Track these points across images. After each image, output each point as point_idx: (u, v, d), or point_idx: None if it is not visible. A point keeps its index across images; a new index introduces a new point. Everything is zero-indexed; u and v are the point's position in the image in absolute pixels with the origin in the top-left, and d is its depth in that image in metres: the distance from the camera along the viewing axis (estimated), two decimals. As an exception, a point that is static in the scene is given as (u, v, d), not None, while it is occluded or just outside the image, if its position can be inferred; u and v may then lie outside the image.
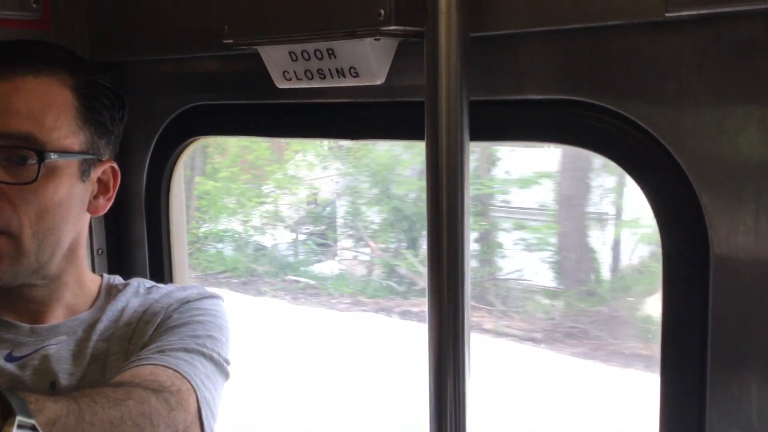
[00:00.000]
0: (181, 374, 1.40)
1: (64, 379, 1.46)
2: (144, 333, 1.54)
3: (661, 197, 1.33)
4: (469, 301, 1.40)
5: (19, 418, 1.12)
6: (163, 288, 1.67)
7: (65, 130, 1.45)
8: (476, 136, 1.38)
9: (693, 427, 1.32)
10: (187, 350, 1.46)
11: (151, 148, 2.13)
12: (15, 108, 1.38)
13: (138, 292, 1.66)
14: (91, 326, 1.55)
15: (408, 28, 1.39)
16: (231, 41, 1.61)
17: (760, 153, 1.19)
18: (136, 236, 2.21)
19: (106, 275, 1.70)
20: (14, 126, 1.37)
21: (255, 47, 1.60)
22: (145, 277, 2.16)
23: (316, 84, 1.56)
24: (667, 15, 1.17)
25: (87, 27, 2.13)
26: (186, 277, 2.26)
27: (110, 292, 1.64)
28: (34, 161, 1.38)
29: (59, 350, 1.50)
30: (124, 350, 1.52)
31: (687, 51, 1.24)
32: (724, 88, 1.21)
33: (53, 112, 1.43)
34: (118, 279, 1.70)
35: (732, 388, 1.27)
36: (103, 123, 1.52)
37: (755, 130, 1.19)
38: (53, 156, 1.41)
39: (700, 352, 1.29)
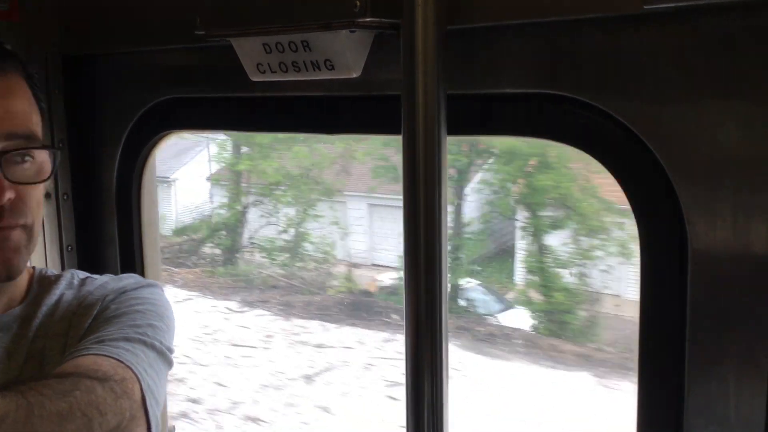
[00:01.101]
0: (124, 363, 1.38)
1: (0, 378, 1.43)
2: (80, 326, 1.50)
3: (639, 192, 1.32)
4: (447, 292, 1.38)
5: None
6: (98, 279, 1.63)
7: (41, 124, 1.47)
8: (453, 130, 1.37)
9: (671, 422, 1.32)
10: (127, 339, 1.43)
11: (122, 142, 2.09)
12: (14, 109, 1.39)
13: (72, 284, 1.62)
14: (26, 321, 1.52)
15: (384, 20, 1.37)
16: (203, 33, 1.58)
17: (738, 148, 1.18)
18: (107, 232, 2.17)
19: (37, 267, 1.66)
20: (19, 126, 1.39)
21: (228, 39, 1.57)
22: (117, 273, 2.13)
23: (291, 77, 1.54)
24: (645, 8, 1.16)
25: (57, 19, 2.09)
26: (158, 273, 2.23)
27: (42, 285, 1.60)
28: (33, 158, 1.41)
29: None
30: (61, 345, 1.49)
31: (665, 45, 1.23)
32: (702, 82, 1.21)
33: (33, 108, 1.46)
34: (50, 271, 1.66)
35: (710, 384, 1.27)
36: (43, 112, 1.52)
37: (733, 124, 1.18)
38: (57, 152, 1.48)
39: (678, 347, 1.29)
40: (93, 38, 2.05)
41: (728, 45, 1.17)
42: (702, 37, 1.20)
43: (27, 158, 1.40)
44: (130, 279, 1.63)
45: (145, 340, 1.46)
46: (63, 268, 2.15)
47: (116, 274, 2.14)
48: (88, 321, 1.51)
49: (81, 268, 2.18)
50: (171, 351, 1.52)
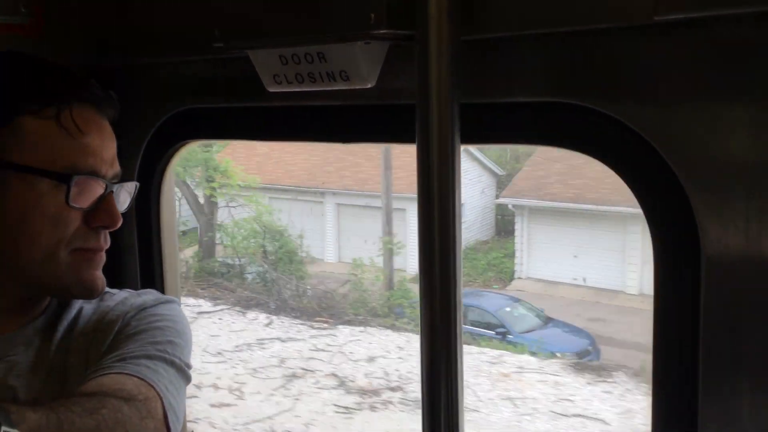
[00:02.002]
0: (146, 381, 1.40)
1: (23, 393, 1.44)
2: (102, 342, 1.52)
3: (652, 199, 1.33)
4: (461, 303, 1.40)
5: (4, 428, 1.12)
6: (117, 294, 1.65)
7: None
8: (467, 139, 1.39)
9: (685, 429, 1.32)
10: (149, 357, 1.45)
11: (141, 152, 2.12)
12: (114, 150, 1.55)
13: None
14: (48, 335, 1.53)
15: (399, 31, 1.39)
16: (222, 45, 1.60)
17: (750, 154, 1.19)
18: (127, 242, 2.20)
19: None
20: (117, 165, 1.56)
21: (246, 51, 1.60)
22: (136, 283, 2.16)
23: (307, 87, 1.56)
24: (656, 18, 1.18)
25: (79, 32, 2.12)
26: (177, 283, 2.25)
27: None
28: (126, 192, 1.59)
29: (19, 362, 1.48)
30: (83, 360, 1.50)
31: (676, 54, 1.24)
32: (714, 90, 1.22)
33: None
34: None
35: (724, 390, 1.27)
36: None
37: (745, 131, 1.19)
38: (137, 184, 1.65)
39: (692, 353, 1.30)
40: (115, 50, 2.09)
41: (739, 53, 1.19)
42: (713, 45, 1.21)
43: (125, 189, 1.55)
44: (149, 295, 1.64)
45: (165, 357, 1.48)
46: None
47: (136, 283, 2.17)
48: (109, 338, 1.53)
49: (101, 275, 2.21)
50: (189, 367, 1.54)
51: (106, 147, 1.49)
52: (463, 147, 1.40)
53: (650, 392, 1.38)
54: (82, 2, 2.09)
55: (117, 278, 2.22)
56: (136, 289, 2.15)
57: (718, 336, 1.27)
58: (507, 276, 16.20)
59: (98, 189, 1.46)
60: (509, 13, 1.35)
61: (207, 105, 1.99)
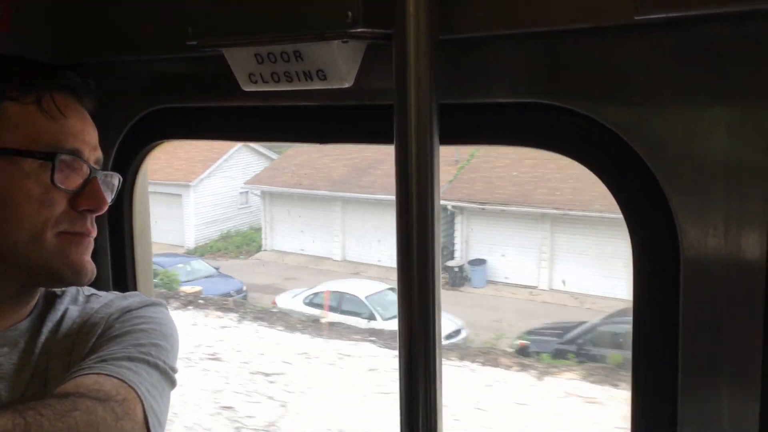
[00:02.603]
0: (126, 383, 1.37)
1: (6, 395, 1.42)
2: (84, 344, 1.50)
3: (631, 201, 1.33)
4: (440, 304, 1.38)
5: None
6: (103, 296, 1.64)
7: None
8: (446, 139, 1.37)
9: (665, 429, 1.32)
10: (130, 359, 1.43)
11: (114, 152, 2.08)
12: (96, 137, 1.58)
13: (77, 300, 1.62)
14: (33, 337, 1.51)
15: (376, 30, 1.37)
16: (195, 42, 1.57)
17: (729, 156, 1.19)
18: (99, 243, 2.15)
19: None
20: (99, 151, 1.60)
21: (220, 49, 1.57)
22: (108, 285, 2.12)
23: (283, 87, 1.54)
24: (636, 18, 1.17)
25: (48, 28, 2.08)
26: (150, 284, 2.22)
27: (48, 299, 1.60)
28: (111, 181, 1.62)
29: (2, 364, 1.45)
30: (65, 364, 1.48)
31: (655, 54, 1.24)
32: (693, 91, 1.21)
33: None
34: None
35: (703, 391, 1.27)
36: None
37: (724, 133, 1.19)
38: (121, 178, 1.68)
39: (671, 354, 1.30)
40: (84, 47, 2.05)
41: (718, 54, 1.18)
42: (692, 46, 1.20)
43: (109, 179, 1.58)
44: (135, 298, 1.62)
45: (148, 359, 1.45)
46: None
47: (107, 284, 2.13)
48: (92, 340, 1.51)
49: (72, 278, 2.16)
50: (174, 371, 1.52)
51: (87, 131, 1.52)
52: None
53: (630, 392, 1.38)
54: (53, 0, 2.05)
55: (89, 281, 2.18)
56: (107, 291, 2.12)
57: (698, 337, 1.27)
58: (255, 249, 20.51)
59: (82, 172, 1.48)
60: (488, 13, 1.34)
61: (181, 104, 1.96)
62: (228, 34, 1.54)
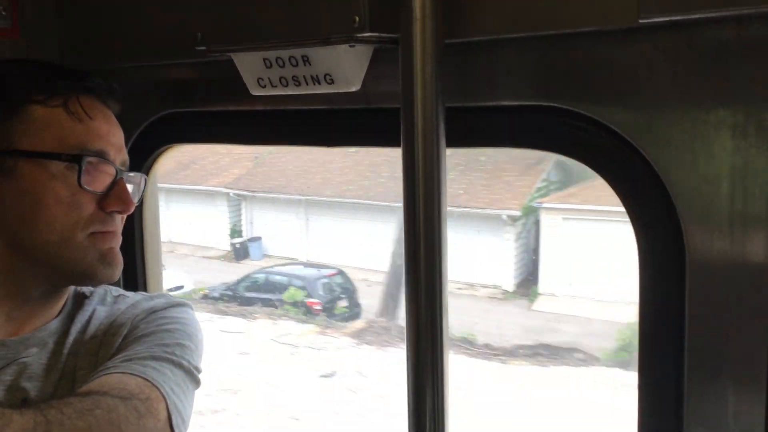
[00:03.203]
0: (150, 382, 1.38)
1: (35, 395, 1.43)
2: (111, 345, 1.52)
3: (637, 203, 1.33)
4: (447, 307, 1.39)
5: None
6: (130, 297, 1.65)
7: None
8: (452, 142, 1.38)
9: (671, 430, 1.33)
10: (155, 358, 1.44)
11: (124, 156, 2.10)
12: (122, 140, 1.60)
13: (105, 301, 1.63)
14: (61, 338, 1.53)
15: (383, 34, 1.39)
16: (204, 48, 1.59)
17: (734, 158, 1.20)
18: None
19: None
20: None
21: (229, 54, 1.58)
22: (119, 286, 2.13)
23: (291, 91, 1.55)
24: (640, 21, 1.18)
25: (57, 35, 2.10)
26: (160, 287, 2.23)
27: (77, 300, 1.62)
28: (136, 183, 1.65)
29: (31, 364, 1.47)
30: (92, 364, 1.49)
31: (660, 57, 1.24)
32: (698, 93, 1.22)
33: None
34: (85, 287, 1.66)
35: (709, 392, 1.27)
36: None
37: (729, 135, 1.20)
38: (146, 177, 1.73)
39: (677, 356, 1.30)
40: (93, 54, 2.06)
41: (722, 56, 1.19)
42: (697, 49, 1.21)
43: (137, 180, 1.61)
44: (160, 299, 1.64)
45: (172, 359, 1.46)
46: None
47: (118, 286, 2.15)
48: (118, 340, 1.52)
49: (83, 281, 2.18)
50: (199, 371, 1.53)
51: (113, 133, 1.54)
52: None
53: (637, 393, 1.38)
54: (61, 6, 2.07)
55: (99, 284, 2.20)
56: (118, 294, 2.13)
57: (703, 338, 1.27)
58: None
59: (109, 174, 1.50)
60: (493, 17, 1.35)
61: (190, 109, 1.98)
62: (237, 39, 1.55)
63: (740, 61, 1.17)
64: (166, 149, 2.09)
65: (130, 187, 1.55)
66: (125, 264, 2.15)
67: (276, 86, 1.57)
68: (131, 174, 1.58)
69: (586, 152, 1.40)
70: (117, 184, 1.50)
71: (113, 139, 1.53)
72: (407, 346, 1.39)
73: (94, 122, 1.49)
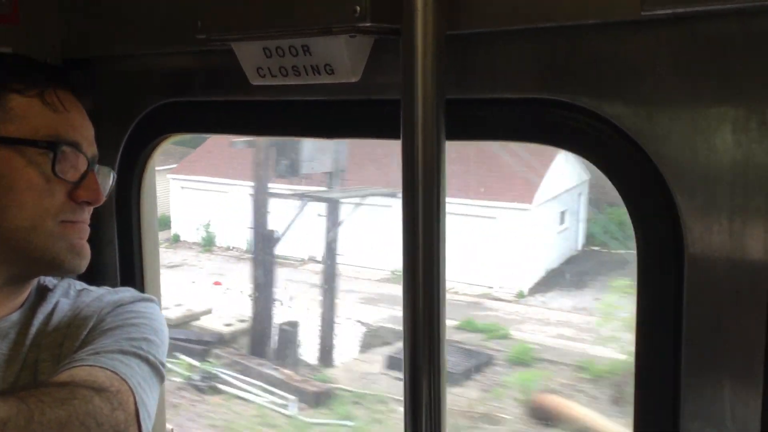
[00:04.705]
0: (119, 375, 1.40)
1: None
2: (76, 337, 1.53)
3: (636, 196, 1.33)
4: (445, 301, 1.39)
5: None
6: (95, 291, 1.66)
7: None
8: (452, 134, 1.38)
9: (667, 426, 1.33)
10: (123, 352, 1.45)
11: (122, 145, 2.09)
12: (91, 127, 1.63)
13: (68, 294, 1.64)
14: (23, 329, 1.54)
15: (384, 25, 1.38)
16: (204, 37, 1.58)
17: (735, 153, 1.19)
18: (107, 236, 2.17)
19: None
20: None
21: (228, 43, 1.58)
22: (116, 278, 2.13)
23: (291, 81, 1.54)
24: (642, 14, 1.17)
25: (57, 22, 2.09)
26: (158, 278, 2.23)
27: (40, 292, 1.63)
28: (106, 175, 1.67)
29: None
30: (55, 356, 1.50)
31: (662, 50, 1.24)
32: (700, 87, 1.21)
33: None
34: (48, 280, 1.67)
35: (706, 388, 1.27)
36: None
37: (730, 130, 1.19)
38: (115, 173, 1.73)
39: (675, 351, 1.30)
40: (93, 41, 2.06)
41: (724, 50, 1.18)
42: (699, 42, 1.20)
43: (104, 173, 1.62)
44: (126, 293, 1.65)
45: (139, 353, 1.47)
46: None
47: (115, 278, 2.15)
48: (83, 333, 1.53)
49: (80, 271, 2.17)
50: (164, 366, 1.54)
51: (86, 127, 1.58)
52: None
53: (634, 389, 1.38)
54: None
55: (96, 273, 2.18)
56: (115, 284, 2.13)
57: (701, 334, 1.27)
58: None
59: (81, 164, 1.52)
60: (495, 9, 1.34)
61: (189, 98, 1.97)
62: (236, 28, 1.54)
63: (743, 56, 1.16)
64: (164, 139, 2.08)
65: (103, 183, 1.58)
66: (122, 256, 2.16)
67: (276, 76, 1.56)
68: (102, 167, 1.60)
69: (585, 146, 1.39)
70: (88, 176, 1.53)
71: (86, 132, 1.56)
72: (404, 340, 1.39)
73: (69, 114, 1.53)
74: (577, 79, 1.34)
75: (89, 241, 1.56)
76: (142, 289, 2.15)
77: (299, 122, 1.80)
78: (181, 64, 1.96)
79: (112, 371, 1.39)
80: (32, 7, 2.07)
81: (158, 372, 1.51)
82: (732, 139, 1.19)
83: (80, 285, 1.68)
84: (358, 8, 1.35)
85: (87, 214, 1.55)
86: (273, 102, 1.79)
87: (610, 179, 1.36)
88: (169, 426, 2.31)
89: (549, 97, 1.38)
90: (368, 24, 1.36)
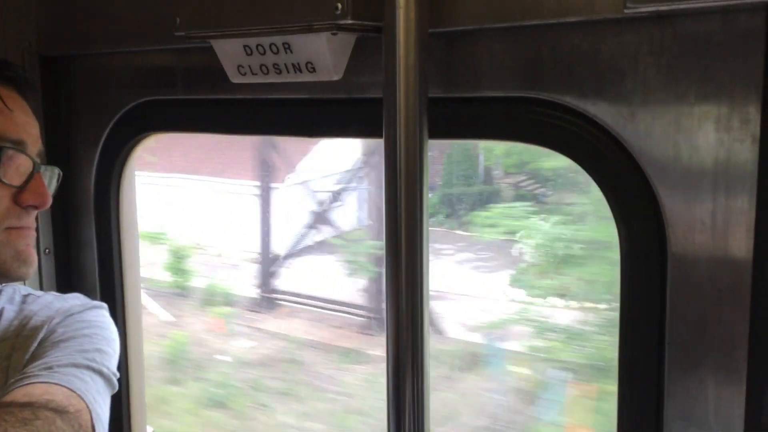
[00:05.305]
0: (75, 393, 1.35)
1: None
2: (25, 349, 1.47)
3: (620, 195, 1.33)
4: (428, 300, 1.38)
5: None
6: (42, 298, 1.60)
7: None
8: (435, 133, 1.37)
9: (650, 424, 1.33)
10: (76, 366, 1.41)
11: (101, 144, 2.06)
12: (36, 127, 1.54)
13: (13, 300, 1.58)
14: None
15: (366, 22, 1.37)
16: (183, 34, 1.56)
17: (717, 151, 1.19)
18: (85, 236, 2.14)
19: None
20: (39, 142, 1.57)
21: (208, 41, 1.56)
22: (94, 280, 2.10)
23: (272, 79, 1.53)
24: (625, 12, 1.17)
25: (34, 19, 2.06)
26: (138, 277, 2.20)
27: None
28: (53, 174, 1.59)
29: None
30: (3, 368, 1.45)
31: (645, 48, 1.24)
32: (682, 86, 1.21)
33: None
34: None
35: (689, 386, 1.27)
36: None
37: (712, 128, 1.19)
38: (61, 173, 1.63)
39: (658, 350, 1.30)
40: (71, 39, 2.03)
41: (707, 48, 1.18)
42: (681, 40, 1.20)
43: (50, 173, 1.54)
44: (75, 300, 1.60)
45: (93, 366, 1.43)
46: (41, 272, 2.11)
47: (94, 280, 2.12)
48: (33, 344, 1.47)
49: (58, 271, 2.14)
50: (116, 376, 1.50)
51: (30, 124, 1.50)
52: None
53: (616, 388, 1.38)
54: None
55: (75, 276, 2.16)
56: (94, 286, 2.10)
57: (684, 332, 1.27)
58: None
59: (26, 167, 1.45)
60: (478, 6, 1.34)
61: (169, 96, 1.94)
62: (216, 25, 1.52)
63: (725, 54, 1.17)
64: (144, 137, 2.05)
65: (50, 182, 1.52)
66: (100, 262, 2.12)
67: (257, 74, 1.54)
68: (48, 167, 1.53)
69: (569, 144, 1.39)
70: (34, 178, 1.45)
71: (30, 129, 1.49)
72: (387, 338, 1.38)
73: (12, 113, 1.45)
74: (561, 78, 1.33)
75: (68, 241, 1.52)
76: (121, 291, 2.12)
77: (281, 121, 1.79)
78: (161, 61, 1.93)
79: (68, 388, 1.35)
80: (9, 4, 2.04)
81: (111, 383, 1.48)
82: (714, 138, 1.19)
83: (25, 290, 1.63)
84: (339, 5, 1.34)
85: (33, 218, 1.48)
86: (254, 100, 1.77)
87: (594, 178, 1.36)
88: (149, 428, 2.28)
89: (532, 96, 1.37)
90: (350, 21, 1.35)
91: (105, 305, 1.63)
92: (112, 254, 2.12)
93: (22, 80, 1.50)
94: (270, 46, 1.47)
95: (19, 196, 1.43)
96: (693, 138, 1.21)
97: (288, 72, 1.49)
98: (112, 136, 2.05)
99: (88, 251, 2.14)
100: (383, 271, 1.37)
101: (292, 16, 1.40)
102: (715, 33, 1.17)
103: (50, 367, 1.38)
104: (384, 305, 1.39)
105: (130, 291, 2.15)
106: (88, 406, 1.35)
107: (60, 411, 1.29)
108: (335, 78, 1.46)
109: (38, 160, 1.48)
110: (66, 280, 1.75)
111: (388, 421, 1.40)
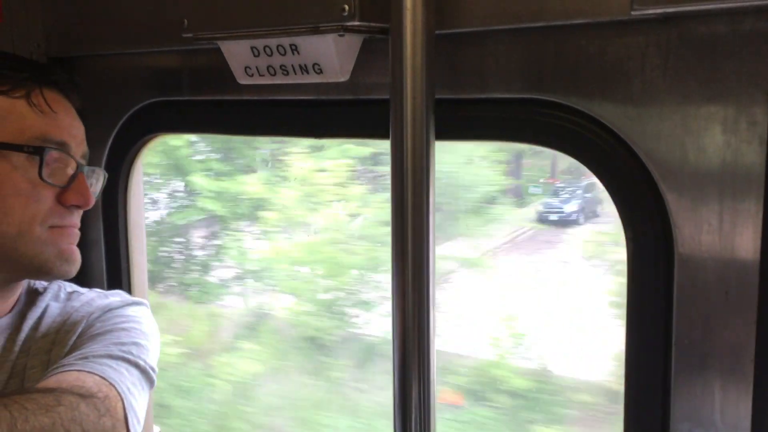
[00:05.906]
0: (108, 381, 1.37)
1: None
2: (64, 343, 1.50)
3: (626, 197, 1.33)
4: (434, 302, 1.38)
5: None
6: (85, 295, 1.63)
7: None
8: (441, 135, 1.37)
9: (657, 426, 1.33)
10: (111, 357, 1.43)
11: (108, 145, 2.07)
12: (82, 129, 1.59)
13: (58, 297, 1.61)
14: (12, 335, 1.51)
15: (373, 24, 1.37)
16: (191, 35, 1.57)
17: (724, 153, 1.19)
18: (93, 236, 2.15)
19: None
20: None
21: (216, 42, 1.56)
22: (102, 279, 2.11)
23: (279, 80, 1.53)
24: (632, 14, 1.17)
25: (41, 20, 2.07)
26: (144, 278, 2.21)
27: (30, 296, 1.60)
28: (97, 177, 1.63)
29: None
30: (44, 363, 1.48)
31: (652, 50, 1.24)
32: (689, 88, 1.21)
33: None
34: (38, 283, 1.64)
35: (696, 387, 1.27)
36: None
37: (719, 130, 1.19)
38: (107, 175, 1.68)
39: (665, 351, 1.30)
40: (79, 40, 2.03)
41: (713, 50, 1.18)
42: (688, 42, 1.20)
43: (95, 175, 1.58)
44: (116, 297, 1.62)
45: (129, 358, 1.45)
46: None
47: (102, 279, 2.12)
48: (72, 338, 1.50)
49: (66, 271, 2.14)
50: (154, 370, 1.52)
51: (75, 126, 1.53)
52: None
53: (623, 389, 1.38)
54: None
55: (82, 274, 2.15)
56: (101, 285, 2.11)
57: (691, 333, 1.27)
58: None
59: (70, 167, 1.49)
60: (485, 8, 1.34)
61: (176, 97, 1.95)
62: (224, 26, 1.53)
63: (732, 56, 1.16)
64: (151, 138, 2.06)
65: (93, 184, 1.55)
66: (108, 257, 2.14)
67: (264, 75, 1.55)
68: (93, 168, 1.56)
69: (575, 146, 1.39)
70: (77, 178, 1.49)
71: (75, 131, 1.52)
72: (393, 341, 1.38)
73: (56, 115, 1.48)
74: (567, 79, 1.33)
75: (79, 240, 1.53)
76: (129, 291, 2.13)
77: (288, 122, 1.79)
78: (169, 63, 1.94)
79: (100, 376, 1.37)
80: (17, 5, 2.05)
81: (148, 377, 1.49)
82: (722, 140, 1.19)
83: (70, 287, 1.66)
84: (346, 7, 1.34)
85: (77, 218, 1.51)
86: (261, 102, 1.78)
87: (600, 179, 1.36)
88: (156, 428, 2.29)
89: (539, 97, 1.37)
90: (357, 23, 1.35)
91: (146, 302, 1.66)
92: (120, 255, 2.13)
93: (66, 84, 1.54)
94: (277, 47, 1.48)
95: (62, 195, 1.47)
96: (700, 139, 1.21)
97: (295, 73, 1.50)
98: (120, 137, 2.05)
99: (95, 251, 2.15)
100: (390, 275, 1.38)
101: (300, 18, 1.41)
102: (722, 35, 1.17)
103: (85, 357, 1.41)
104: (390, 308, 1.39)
105: (137, 290, 2.16)
106: (120, 395, 1.37)
107: (85, 396, 1.31)
108: (342, 79, 1.47)
109: (82, 161, 1.52)
110: (74, 279, 1.75)
111: (393, 425, 1.40)
